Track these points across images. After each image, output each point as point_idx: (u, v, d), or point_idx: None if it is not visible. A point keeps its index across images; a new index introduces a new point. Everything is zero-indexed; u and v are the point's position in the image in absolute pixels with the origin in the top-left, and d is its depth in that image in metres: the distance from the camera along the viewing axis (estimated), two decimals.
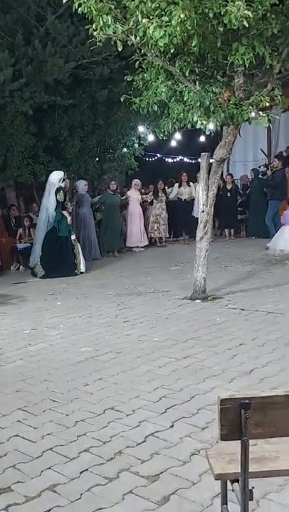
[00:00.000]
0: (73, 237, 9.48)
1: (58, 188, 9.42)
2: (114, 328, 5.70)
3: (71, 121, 11.77)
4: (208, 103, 5.92)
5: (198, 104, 5.94)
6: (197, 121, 6.02)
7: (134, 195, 12.65)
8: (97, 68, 11.15)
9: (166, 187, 13.47)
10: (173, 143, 16.13)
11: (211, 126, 6.19)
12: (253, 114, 6.04)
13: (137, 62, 6.33)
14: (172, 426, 3.27)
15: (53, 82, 10.53)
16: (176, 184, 13.48)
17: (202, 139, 16.78)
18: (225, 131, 6.70)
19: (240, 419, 1.72)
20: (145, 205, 13.17)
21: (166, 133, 6.73)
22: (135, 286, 8.08)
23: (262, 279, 8.18)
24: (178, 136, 15.23)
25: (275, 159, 12.36)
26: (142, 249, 12.46)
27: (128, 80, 6.50)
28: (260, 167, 14.20)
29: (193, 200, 13.43)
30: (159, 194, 13.07)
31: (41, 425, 3.38)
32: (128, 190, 13.23)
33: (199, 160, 7.21)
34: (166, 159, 20.02)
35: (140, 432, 3.20)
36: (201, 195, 6.80)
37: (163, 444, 3.05)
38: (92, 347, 5.03)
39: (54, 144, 11.83)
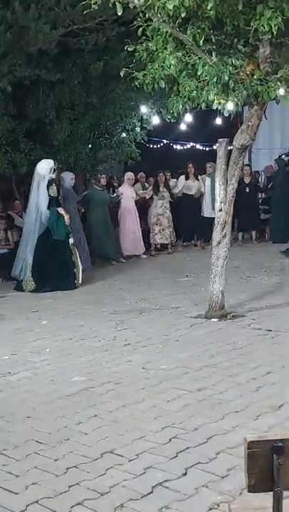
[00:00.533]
0: (71, 240, 9.44)
1: (49, 181, 9.34)
2: (112, 353, 5.70)
3: (58, 100, 11.82)
4: (226, 78, 5.95)
5: (214, 79, 5.97)
6: (213, 100, 6.05)
7: (127, 192, 12.54)
8: (90, 36, 11.21)
9: (169, 180, 13.45)
10: (183, 126, 16.15)
11: (230, 106, 6.22)
12: (281, 92, 6.07)
13: (140, 29, 6.36)
14: (185, 474, 3.27)
15: (36, 53, 10.59)
16: (182, 177, 13.51)
17: (218, 121, 16.85)
18: (247, 112, 6.73)
19: (271, 465, 1.72)
20: (148, 203, 13.15)
21: (175, 115, 6.77)
22: (137, 301, 8.09)
23: None
24: (189, 118, 15.27)
25: None
26: (144, 256, 12.44)
27: (129, 50, 6.54)
28: (281, 156, 14.18)
29: (202, 195, 13.49)
30: (160, 189, 13.01)
31: (24, 473, 3.37)
32: (120, 185, 13.27)
33: (215, 147, 7.24)
34: (175, 146, 20.09)
35: (146, 482, 3.20)
36: (218, 191, 6.83)
37: (174, 496, 3.05)
38: (86, 376, 5.02)
39: (38, 127, 11.88)
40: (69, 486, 3.19)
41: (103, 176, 12.26)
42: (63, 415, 4.18)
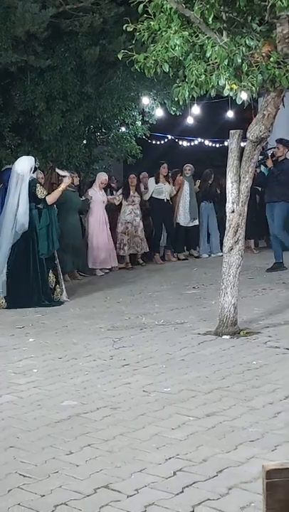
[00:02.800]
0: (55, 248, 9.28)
1: (32, 181, 9.19)
2: (108, 374, 5.64)
3: (49, 90, 11.85)
4: (239, 61, 5.92)
5: (225, 62, 5.94)
6: (224, 85, 6.02)
7: (96, 196, 12.36)
8: (85, 17, 11.25)
9: (143, 183, 13.46)
10: (190, 120, 16.21)
11: (244, 95, 6.19)
12: None
13: (141, 6, 6.35)
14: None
15: (24, 36, 10.61)
16: (152, 179, 13.50)
17: (230, 114, 16.91)
18: (263, 100, 6.69)
19: None
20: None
21: (180, 103, 6.74)
22: (137, 316, 8.05)
23: None
24: (196, 110, 15.31)
25: (279, 145, 11.49)
26: (107, 271, 12.30)
27: (128, 29, 6.52)
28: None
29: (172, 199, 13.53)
30: (131, 193, 12.92)
31: (6, 510, 3.30)
32: (118, 187, 13.25)
33: (226, 143, 7.22)
34: (180, 142, 20.14)
35: None
36: (230, 189, 6.78)
37: None
38: (78, 400, 4.96)
39: (25, 120, 11.92)
40: None
41: (74, 174, 11.79)
42: (51, 444, 4.10)
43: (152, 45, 6.44)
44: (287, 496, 1.67)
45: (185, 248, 14.23)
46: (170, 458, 3.81)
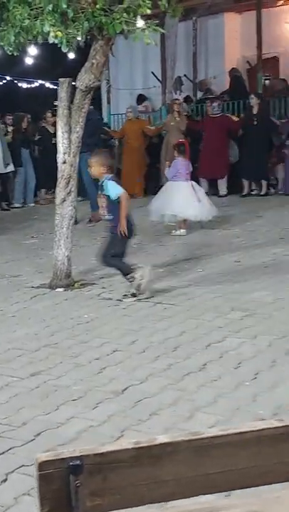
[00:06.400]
0: None
1: None
2: None
3: None
4: (64, 6, 5.70)
5: (50, 7, 5.71)
6: (49, 32, 5.80)
7: None
8: None
9: None
10: (29, 61, 15.63)
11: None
12: (140, 24, 5.89)
13: None
14: (5, 480, 3.15)
15: None
16: None
17: (72, 56, 16.45)
18: (92, 48, 6.54)
19: (68, 488, 1.63)
20: None
21: (10, 48, 6.45)
22: None
23: (151, 255, 8.28)
24: (34, 50, 14.76)
25: None
26: None
27: None
28: None
29: None
30: None
31: None
32: None
33: None
34: (20, 84, 19.47)
35: None
36: (61, 140, 6.64)
37: None
38: None
39: None
40: None
41: None
42: None
43: None
44: (61, 485, 1.65)
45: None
46: None
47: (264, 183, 12.99)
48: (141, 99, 16.44)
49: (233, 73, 15.54)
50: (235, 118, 13.54)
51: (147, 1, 5.78)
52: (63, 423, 3.72)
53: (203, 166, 13.03)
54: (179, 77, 16.16)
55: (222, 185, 13.31)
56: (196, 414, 3.74)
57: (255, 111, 12.87)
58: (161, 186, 10.58)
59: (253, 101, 12.90)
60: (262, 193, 12.91)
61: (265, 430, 1.72)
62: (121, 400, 3.99)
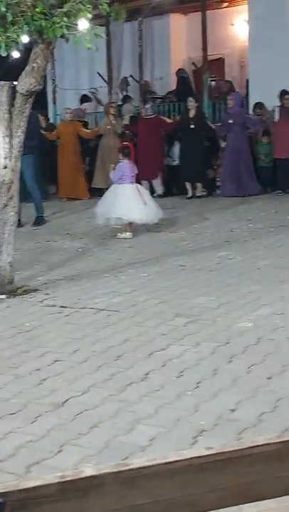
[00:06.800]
0: None
1: None
2: None
3: None
4: (3, 9, 5.62)
5: None
6: None
7: None
8: None
9: None
10: None
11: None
12: (84, 25, 5.82)
13: None
14: None
15: None
16: None
17: (17, 55, 16.30)
18: (33, 52, 6.46)
19: None
20: None
21: None
22: None
23: (96, 259, 8.24)
24: None
25: None
26: None
27: None
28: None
29: None
30: None
31: None
32: None
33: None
34: None
35: None
36: (1, 145, 6.53)
37: None
38: None
39: None
40: None
41: None
42: None
43: None
44: None
45: None
46: None
47: (199, 185, 13.09)
48: (84, 99, 16.35)
49: (180, 74, 15.63)
50: (168, 120, 13.62)
51: (88, 6, 5.73)
52: (1, 438, 3.64)
53: (139, 168, 13.06)
54: (125, 77, 16.18)
55: (157, 186, 13.37)
56: (137, 426, 3.71)
57: (191, 114, 12.95)
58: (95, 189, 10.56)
59: (191, 104, 12.98)
60: (198, 195, 13.01)
61: (194, 459, 1.69)
62: (61, 413, 3.93)
